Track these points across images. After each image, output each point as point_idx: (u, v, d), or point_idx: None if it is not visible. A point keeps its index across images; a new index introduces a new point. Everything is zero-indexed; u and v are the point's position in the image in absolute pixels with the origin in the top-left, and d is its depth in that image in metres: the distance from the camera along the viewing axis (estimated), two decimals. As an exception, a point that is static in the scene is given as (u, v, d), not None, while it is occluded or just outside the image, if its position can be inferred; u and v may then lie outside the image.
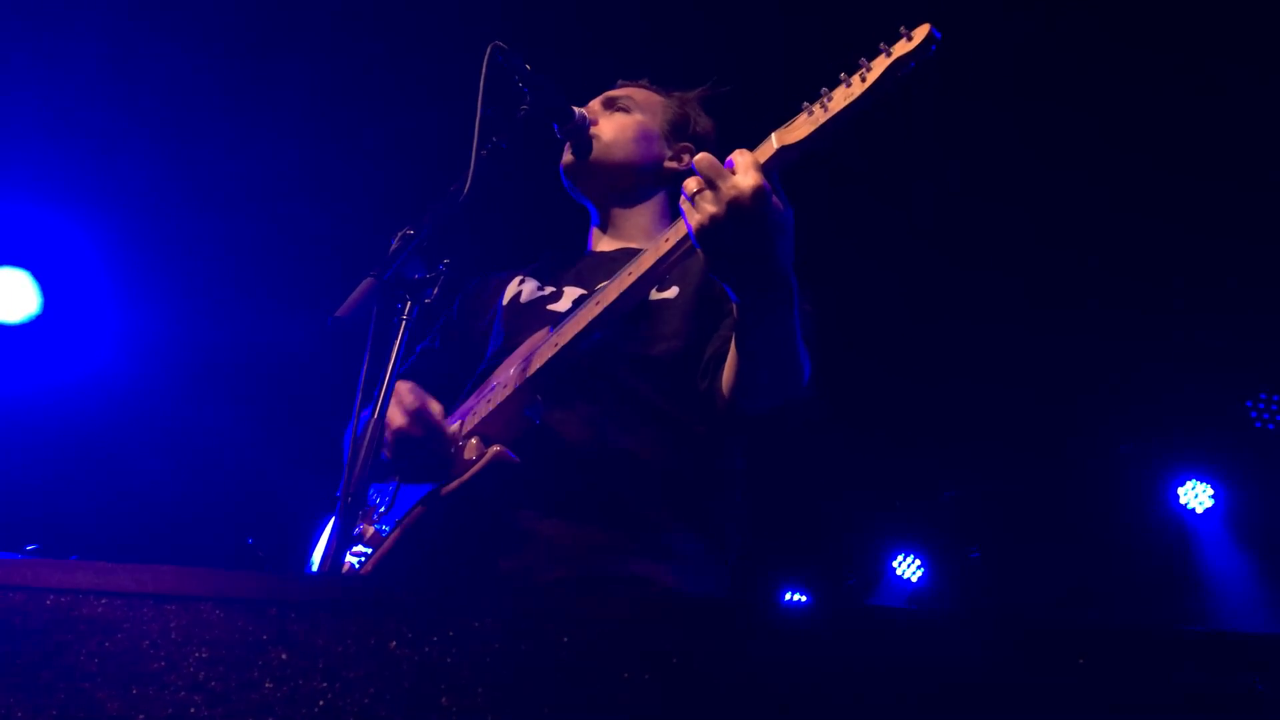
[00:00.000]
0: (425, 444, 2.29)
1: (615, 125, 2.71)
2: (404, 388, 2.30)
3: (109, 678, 1.07)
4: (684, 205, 1.97)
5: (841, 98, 1.90)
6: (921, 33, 1.84)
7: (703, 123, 2.82)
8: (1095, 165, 5.93)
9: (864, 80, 1.87)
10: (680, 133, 2.79)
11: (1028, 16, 5.37)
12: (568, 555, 2.19)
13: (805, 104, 1.96)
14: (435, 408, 2.33)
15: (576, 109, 2.65)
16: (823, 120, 1.92)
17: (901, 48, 1.86)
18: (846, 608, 8.26)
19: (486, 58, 2.33)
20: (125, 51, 5.45)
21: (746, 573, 2.41)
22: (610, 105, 2.76)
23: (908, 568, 8.62)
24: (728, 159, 1.95)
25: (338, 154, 5.82)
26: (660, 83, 2.87)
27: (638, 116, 2.74)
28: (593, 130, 2.67)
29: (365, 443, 1.99)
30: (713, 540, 2.35)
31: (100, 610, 1.10)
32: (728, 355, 2.23)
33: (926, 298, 6.72)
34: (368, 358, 2.03)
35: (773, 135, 1.99)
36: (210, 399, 6.56)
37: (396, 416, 2.26)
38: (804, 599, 8.99)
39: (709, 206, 1.90)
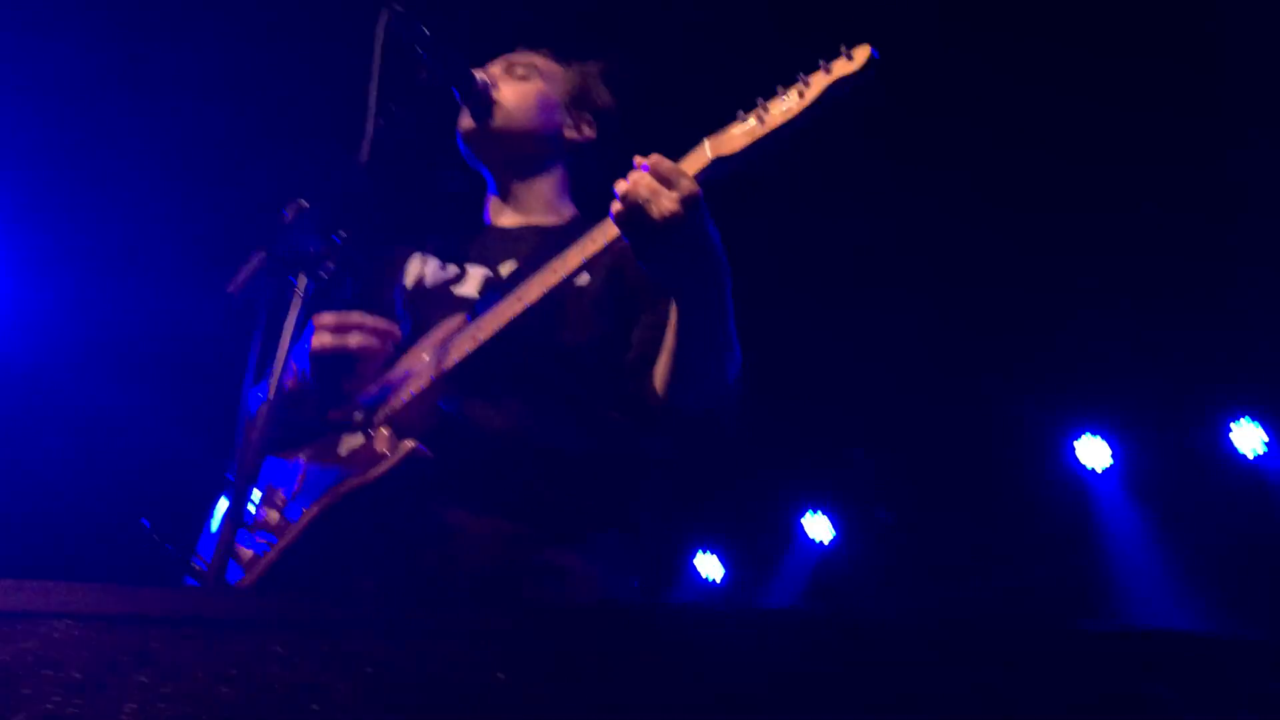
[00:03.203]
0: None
1: (517, 92, 2.63)
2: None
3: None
4: (618, 213, 1.92)
5: (779, 113, 1.88)
6: (862, 54, 1.82)
7: (604, 96, 2.76)
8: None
9: (802, 97, 1.85)
10: (580, 103, 2.72)
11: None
12: (483, 547, 2.15)
13: (740, 112, 1.92)
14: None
15: (477, 74, 2.57)
16: (760, 135, 1.89)
17: (842, 67, 1.83)
18: (751, 610, 8.45)
19: (382, 22, 2.25)
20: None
21: (659, 537, 2.40)
22: (511, 71, 2.68)
23: (817, 527, 8.75)
24: (642, 163, 1.90)
25: (234, 121, 5.64)
26: (561, 54, 2.79)
27: (539, 84, 2.66)
28: (494, 95, 2.59)
29: (259, 424, 1.92)
30: (630, 528, 2.33)
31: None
32: (657, 355, 2.21)
33: (832, 260, 6.74)
34: (259, 335, 1.98)
35: (706, 143, 1.95)
36: (106, 377, 6.35)
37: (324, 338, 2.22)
38: (715, 557, 9.10)
39: (650, 215, 1.86)
